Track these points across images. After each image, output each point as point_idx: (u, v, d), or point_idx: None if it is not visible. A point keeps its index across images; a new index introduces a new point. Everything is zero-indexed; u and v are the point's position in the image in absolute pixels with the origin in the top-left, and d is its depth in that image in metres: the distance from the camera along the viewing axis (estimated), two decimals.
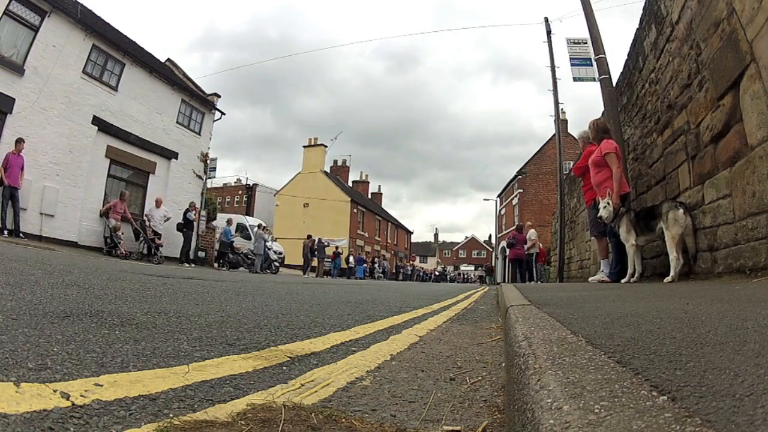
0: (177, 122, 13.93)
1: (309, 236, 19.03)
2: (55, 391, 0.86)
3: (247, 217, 22.56)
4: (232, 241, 14.64)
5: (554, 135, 16.66)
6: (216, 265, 14.31)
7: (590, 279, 6.71)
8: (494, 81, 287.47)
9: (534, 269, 12.50)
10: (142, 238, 11.50)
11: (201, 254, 13.80)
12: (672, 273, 3.86)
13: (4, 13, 9.08)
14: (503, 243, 36.86)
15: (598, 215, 4.88)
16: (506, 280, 31.26)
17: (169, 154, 13.52)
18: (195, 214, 12.69)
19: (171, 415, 0.83)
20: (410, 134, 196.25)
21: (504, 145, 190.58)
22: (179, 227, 12.38)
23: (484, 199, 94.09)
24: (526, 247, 12.30)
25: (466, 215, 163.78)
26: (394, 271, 32.08)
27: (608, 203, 4.69)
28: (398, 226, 46.35)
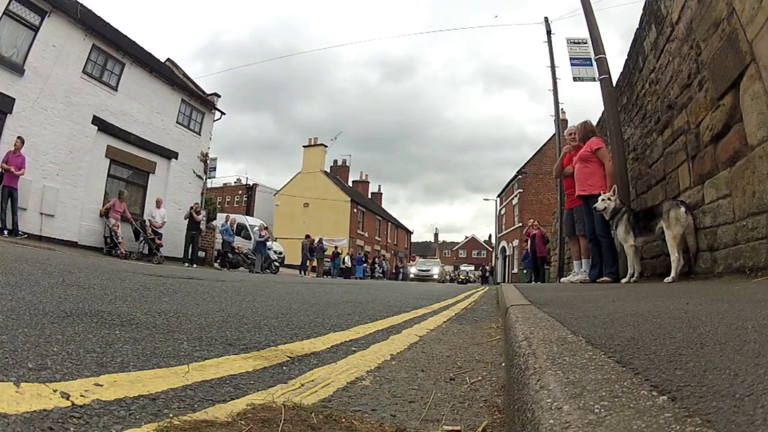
0: (177, 122, 13.93)
1: (307, 236, 19.05)
2: (55, 391, 0.86)
3: (247, 217, 22.55)
4: (233, 241, 14.65)
5: (554, 135, 16.66)
6: (216, 264, 14.31)
7: (563, 280, 6.71)
8: (486, 89, 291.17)
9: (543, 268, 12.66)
10: (142, 238, 11.50)
11: (201, 254, 13.80)
12: (673, 273, 3.85)
13: (4, 13, 9.08)
14: (503, 243, 36.90)
15: (594, 206, 4.83)
16: (505, 280, 31.26)
17: (169, 154, 13.52)
18: (197, 215, 12.62)
19: (171, 415, 0.83)
20: (407, 138, 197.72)
21: (497, 149, 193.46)
22: (191, 225, 12.30)
23: (484, 199, 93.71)
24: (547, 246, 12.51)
25: (463, 216, 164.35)
26: (394, 271, 32.06)
27: (609, 198, 4.66)
28: (398, 225, 46.35)
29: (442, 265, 31.08)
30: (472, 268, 57.28)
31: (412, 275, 27.48)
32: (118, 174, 12.27)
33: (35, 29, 9.73)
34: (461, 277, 42.01)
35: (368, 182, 44.92)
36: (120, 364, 1.11)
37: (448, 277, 41.71)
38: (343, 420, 0.91)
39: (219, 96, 15.95)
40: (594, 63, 7.64)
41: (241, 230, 17.75)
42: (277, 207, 34.12)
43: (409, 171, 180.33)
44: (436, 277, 26.88)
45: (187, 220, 12.32)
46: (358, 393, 1.12)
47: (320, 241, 19.88)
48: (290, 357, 1.41)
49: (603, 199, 4.67)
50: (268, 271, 14.94)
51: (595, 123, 7.91)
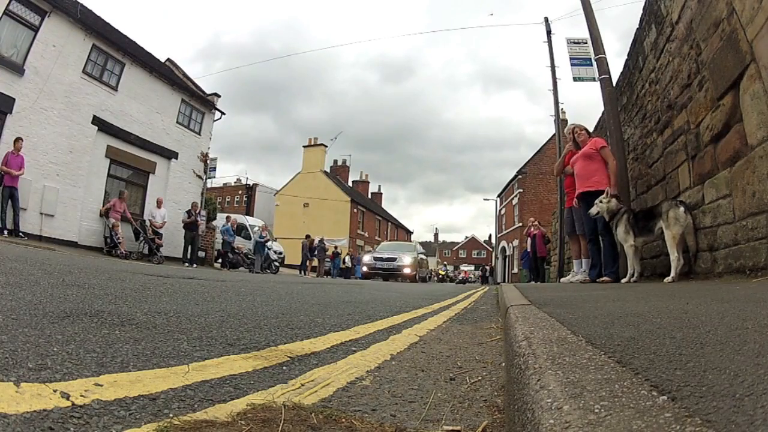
0: (177, 122, 13.93)
1: (307, 236, 19.06)
2: (55, 391, 0.86)
3: (248, 217, 22.56)
4: (233, 241, 14.66)
5: (554, 135, 16.67)
6: (216, 264, 14.31)
7: (562, 280, 6.72)
8: (485, 90, 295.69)
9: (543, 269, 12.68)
10: (142, 238, 11.51)
11: (201, 254, 13.81)
12: (672, 273, 3.86)
13: (4, 13, 9.07)
14: (503, 243, 36.85)
15: (589, 212, 4.87)
16: (505, 280, 31.18)
17: (169, 154, 13.52)
18: (196, 215, 12.60)
19: (171, 415, 0.83)
20: (406, 139, 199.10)
21: (496, 150, 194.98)
22: (188, 226, 12.30)
23: (484, 199, 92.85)
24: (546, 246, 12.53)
25: (463, 216, 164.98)
26: None
27: (601, 200, 4.70)
28: (398, 225, 46.35)
29: (419, 253, 17.67)
30: (472, 268, 57.16)
31: (365, 268, 16.39)
32: (118, 174, 12.27)
33: (35, 29, 9.73)
34: (440, 272, 37.30)
35: (368, 182, 44.90)
36: (120, 364, 1.11)
37: (442, 275, 38.83)
38: (343, 420, 0.91)
39: (219, 96, 15.94)
40: (594, 63, 7.64)
41: (241, 230, 17.76)
42: (277, 207, 34.11)
43: (409, 171, 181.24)
44: (406, 271, 15.51)
45: (186, 222, 12.33)
46: (358, 393, 1.12)
47: (321, 241, 19.85)
48: (290, 357, 1.41)
49: (596, 203, 4.73)
50: (268, 271, 14.94)
51: (595, 123, 7.91)
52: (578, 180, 5.38)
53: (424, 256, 18.44)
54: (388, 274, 15.43)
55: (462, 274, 47.26)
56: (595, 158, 5.17)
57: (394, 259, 15.74)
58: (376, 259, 16.17)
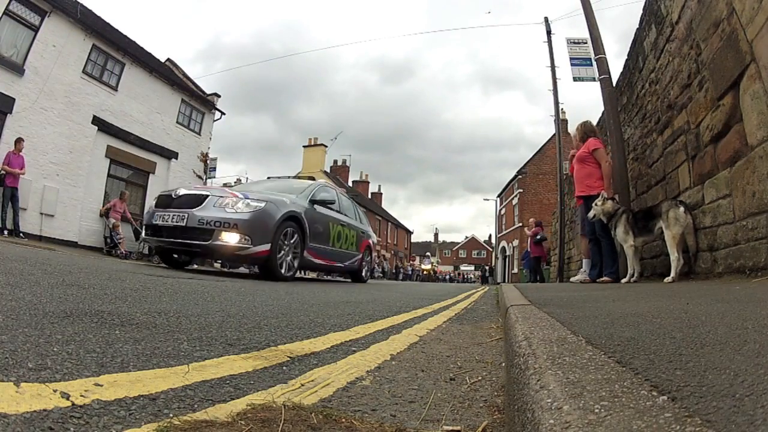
0: (177, 122, 13.94)
1: None
2: (55, 391, 0.86)
3: None
4: None
5: (554, 135, 16.67)
6: (217, 264, 14.29)
7: (572, 279, 6.76)
8: (485, 91, 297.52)
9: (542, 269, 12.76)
10: (142, 238, 11.51)
11: None
12: (672, 273, 3.86)
13: (4, 13, 9.08)
14: (503, 243, 36.87)
15: (588, 214, 4.92)
16: (505, 280, 31.16)
17: (169, 154, 13.53)
18: None
19: (171, 415, 0.83)
20: (406, 140, 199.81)
21: (495, 150, 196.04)
22: None
23: (485, 199, 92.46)
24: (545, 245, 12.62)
25: (462, 216, 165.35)
26: (394, 271, 32.03)
27: (596, 203, 4.73)
28: (398, 225, 46.33)
29: (313, 201, 6.06)
30: (472, 268, 57.17)
31: (144, 231, 5.85)
32: (118, 174, 12.28)
33: (35, 29, 9.73)
34: (424, 269, 34.17)
35: (368, 182, 44.89)
36: (120, 364, 1.11)
37: (426, 271, 36.48)
38: (343, 420, 0.91)
39: (219, 96, 15.95)
40: (594, 63, 7.64)
41: None
42: None
43: (408, 172, 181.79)
44: (227, 239, 4.91)
45: None
46: (358, 393, 1.12)
47: None
48: (290, 357, 1.41)
49: (593, 206, 4.77)
50: None
51: (595, 123, 7.93)
52: (575, 183, 5.44)
53: (345, 216, 7.73)
54: (179, 247, 5.69)
55: (437, 271, 45.43)
56: (588, 160, 5.20)
57: (198, 203, 5.32)
58: (159, 205, 5.68)
